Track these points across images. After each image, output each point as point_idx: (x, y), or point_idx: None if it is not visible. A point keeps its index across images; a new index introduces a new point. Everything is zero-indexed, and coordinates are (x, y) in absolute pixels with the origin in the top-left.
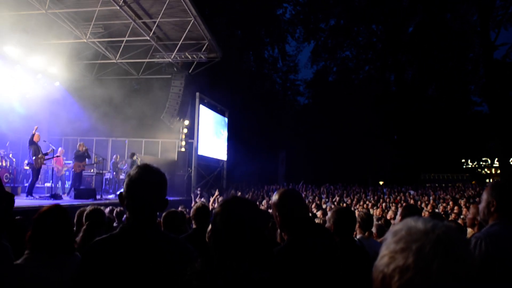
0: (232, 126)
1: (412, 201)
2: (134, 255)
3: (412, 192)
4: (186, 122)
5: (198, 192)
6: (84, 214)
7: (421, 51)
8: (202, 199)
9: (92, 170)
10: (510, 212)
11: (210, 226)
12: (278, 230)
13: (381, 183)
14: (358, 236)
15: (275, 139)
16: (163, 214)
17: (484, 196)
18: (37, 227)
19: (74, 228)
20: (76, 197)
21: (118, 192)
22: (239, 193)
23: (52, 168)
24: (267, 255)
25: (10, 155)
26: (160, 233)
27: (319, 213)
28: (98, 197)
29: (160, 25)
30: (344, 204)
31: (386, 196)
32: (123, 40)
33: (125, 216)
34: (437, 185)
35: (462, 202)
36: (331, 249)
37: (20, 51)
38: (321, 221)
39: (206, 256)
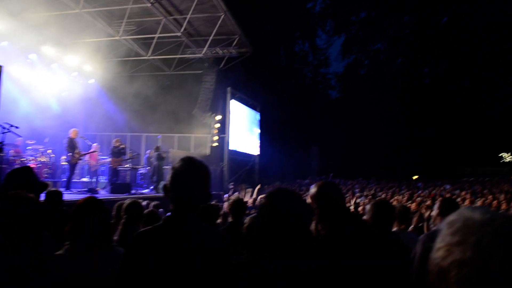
0: (264, 120)
1: (448, 196)
2: (177, 246)
3: (447, 186)
4: (218, 117)
5: (231, 187)
6: (123, 207)
7: (456, 42)
8: (236, 193)
9: (127, 165)
10: None
11: (247, 220)
12: (313, 223)
13: (414, 177)
14: (394, 229)
15: (307, 133)
16: None
17: None
18: (75, 219)
19: (112, 221)
20: (112, 191)
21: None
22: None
23: (92, 163)
24: (310, 246)
25: (49, 151)
26: (202, 225)
27: (352, 208)
28: (132, 191)
29: (190, 21)
30: (378, 199)
31: (420, 191)
32: (155, 37)
33: (161, 209)
34: (473, 179)
35: (501, 197)
36: (370, 241)
37: (56, 50)
38: None
39: (248, 247)
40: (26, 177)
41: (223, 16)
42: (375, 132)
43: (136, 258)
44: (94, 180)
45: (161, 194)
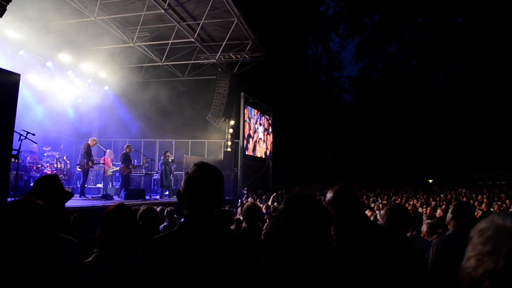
0: (277, 125)
1: (464, 200)
2: (193, 252)
3: (464, 190)
4: (232, 122)
5: (245, 192)
6: (138, 214)
7: (472, 43)
8: (250, 199)
9: (141, 171)
10: None
11: (266, 225)
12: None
13: (430, 181)
14: (407, 234)
15: (321, 138)
16: None
17: None
18: (105, 226)
19: None
20: (127, 197)
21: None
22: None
23: (105, 169)
24: (326, 252)
25: (65, 157)
26: (217, 231)
27: (368, 212)
28: (147, 197)
29: (204, 26)
30: (393, 203)
31: (436, 195)
32: (169, 43)
33: (175, 216)
34: (490, 183)
35: None
36: (386, 247)
37: (72, 57)
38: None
39: (267, 252)
40: (54, 184)
41: (236, 21)
42: (390, 135)
43: (150, 266)
44: (108, 186)
45: (174, 200)
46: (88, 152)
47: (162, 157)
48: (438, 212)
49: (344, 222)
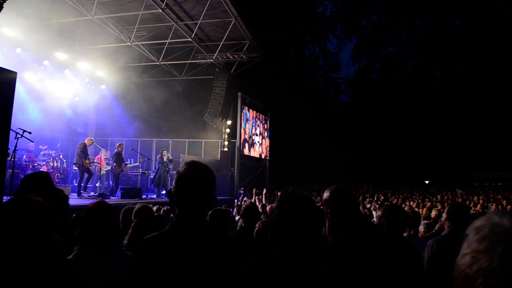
0: (274, 125)
1: (460, 201)
2: (184, 251)
3: (460, 191)
4: (229, 122)
5: (242, 192)
6: (133, 212)
7: (469, 45)
8: (245, 199)
9: (137, 171)
10: None
11: (258, 224)
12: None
13: (426, 182)
14: (404, 234)
15: (318, 138)
16: (210, 211)
17: None
18: (84, 224)
19: (121, 226)
20: (123, 196)
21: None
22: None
23: (100, 168)
24: (321, 250)
25: (61, 156)
26: (209, 230)
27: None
28: (143, 196)
29: (201, 26)
30: (387, 203)
31: (433, 196)
32: (166, 42)
33: (171, 215)
34: (486, 184)
35: None
36: (382, 246)
37: (68, 56)
38: None
39: (261, 250)
40: (43, 182)
41: (233, 21)
42: (387, 136)
43: (141, 265)
44: (98, 184)
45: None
46: (84, 151)
47: (158, 156)
48: (433, 213)
49: (341, 221)
